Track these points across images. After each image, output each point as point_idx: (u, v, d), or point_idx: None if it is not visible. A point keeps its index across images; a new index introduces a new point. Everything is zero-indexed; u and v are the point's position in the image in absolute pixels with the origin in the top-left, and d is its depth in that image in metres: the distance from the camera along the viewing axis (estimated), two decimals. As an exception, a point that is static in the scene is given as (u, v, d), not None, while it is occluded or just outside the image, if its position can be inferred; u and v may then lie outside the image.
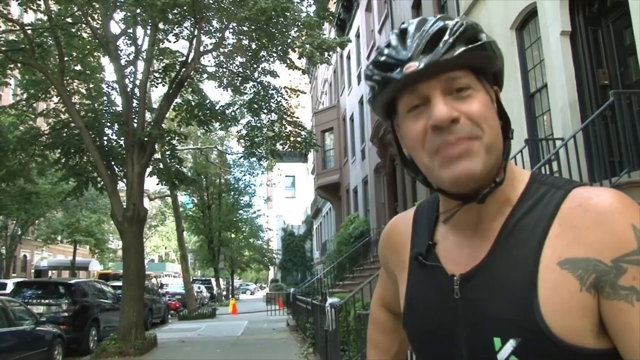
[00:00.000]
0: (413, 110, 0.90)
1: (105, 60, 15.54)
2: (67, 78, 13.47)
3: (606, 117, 6.26)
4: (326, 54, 13.76)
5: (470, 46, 0.86)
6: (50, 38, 12.80)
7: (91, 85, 14.28)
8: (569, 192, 0.87)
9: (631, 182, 5.42)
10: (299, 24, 13.22)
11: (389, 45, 0.92)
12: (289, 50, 14.16)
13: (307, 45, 13.04)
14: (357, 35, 23.80)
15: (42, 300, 12.17)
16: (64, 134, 13.76)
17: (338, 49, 15.29)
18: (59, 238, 30.54)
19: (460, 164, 0.85)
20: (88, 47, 13.96)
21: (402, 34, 0.91)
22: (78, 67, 14.36)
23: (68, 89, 13.21)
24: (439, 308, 0.94)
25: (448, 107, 0.85)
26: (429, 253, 0.99)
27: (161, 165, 14.67)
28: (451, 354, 0.91)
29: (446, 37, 0.86)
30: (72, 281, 13.83)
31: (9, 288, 17.36)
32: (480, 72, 0.90)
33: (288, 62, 14.16)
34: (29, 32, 12.47)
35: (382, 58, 0.91)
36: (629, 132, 5.71)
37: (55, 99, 14.48)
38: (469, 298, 0.90)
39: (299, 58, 14.10)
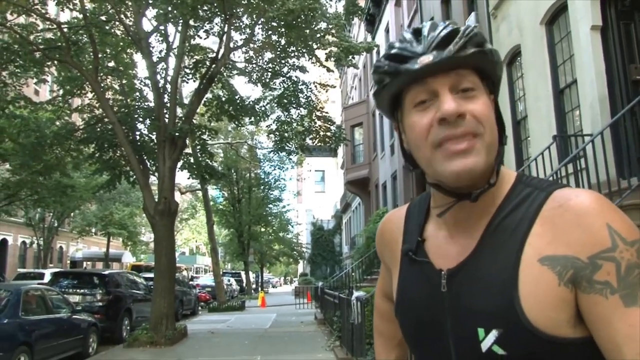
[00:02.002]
0: (420, 105, 0.95)
1: (137, 57, 15.84)
2: (101, 74, 13.81)
3: (636, 114, 6.18)
4: (352, 57, 13.79)
5: (479, 49, 0.93)
6: (85, 36, 13.13)
7: (124, 82, 14.58)
8: (551, 193, 0.92)
9: (660, 180, 5.36)
10: (327, 22, 13.27)
11: (402, 41, 0.97)
12: (317, 47, 14.25)
13: (334, 48, 13.10)
14: (387, 30, 23.70)
15: (78, 290, 12.55)
16: (98, 129, 14.11)
17: (363, 52, 15.29)
18: (93, 230, 31.28)
19: (463, 159, 0.90)
20: (121, 44, 14.24)
21: (416, 33, 0.96)
22: (111, 64, 14.68)
23: (102, 85, 13.54)
24: (427, 300, 1.01)
25: (456, 102, 0.91)
26: (419, 249, 1.06)
27: (192, 160, 14.92)
28: (439, 342, 0.98)
29: (458, 38, 0.92)
30: (106, 272, 14.21)
31: (47, 278, 17.95)
32: (484, 76, 0.97)
33: (315, 59, 14.21)
34: (65, 30, 12.83)
35: (395, 50, 0.96)
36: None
37: (90, 95, 14.85)
38: (455, 291, 0.96)
39: (326, 60, 14.15)
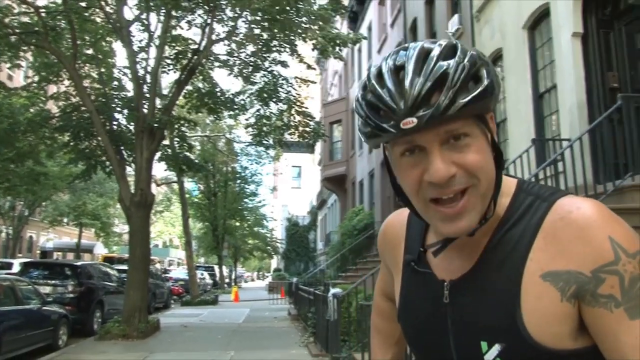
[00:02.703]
0: (407, 154, 0.89)
1: (116, 46, 15.59)
2: (79, 62, 13.55)
3: (613, 120, 6.29)
4: (338, 48, 13.76)
5: (474, 95, 0.85)
6: (63, 21, 12.88)
7: (102, 70, 14.35)
8: (553, 203, 0.91)
9: (635, 186, 5.47)
10: (312, 15, 13.23)
11: (381, 82, 0.88)
12: (299, 42, 14.20)
13: (320, 38, 13.05)
14: (369, 29, 23.76)
15: (49, 281, 12.32)
16: (74, 118, 13.86)
17: (349, 45, 15.30)
18: (65, 220, 30.77)
19: (456, 223, 0.89)
20: (101, 31, 13.99)
21: (398, 71, 0.87)
22: (90, 52, 14.43)
23: (79, 73, 13.30)
24: (430, 310, 1.01)
25: (445, 165, 0.86)
26: (421, 259, 1.05)
27: (170, 152, 14.76)
28: (442, 351, 0.98)
29: (448, 84, 0.84)
30: (79, 263, 14.02)
31: (15, 268, 17.57)
32: (479, 115, 0.90)
33: (297, 55, 14.17)
34: (43, 14, 12.56)
35: (375, 101, 0.88)
36: (635, 136, 5.76)
37: (67, 83, 14.57)
38: (458, 303, 0.96)
39: (313, 49, 14.11)
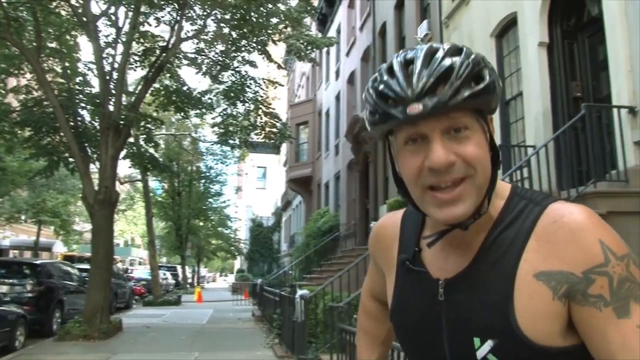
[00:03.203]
0: (410, 143, 0.94)
1: (82, 40, 15.27)
2: (43, 55, 13.21)
3: (577, 129, 6.49)
4: (310, 51, 13.84)
5: (476, 90, 0.90)
6: (27, 13, 12.55)
7: (67, 64, 14.03)
8: (545, 207, 0.95)
9: (596, 192, 5.64)
10: (282, 15, 13.24)
11: (392, 73, 0.94)
12: (269, 42, 14.18)
13: (295, 40, 13.09)
14: (338, 31, 23.87)
15: (6, 280, 11.94)
16: (36, 112, 13.50)
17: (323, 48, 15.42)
18: (23, 217, 29.89)
19: (451, 208, 0.92)
20: (66, 25, 13.68)
21: (407, 65, 0.93)
22: (54, 45, 14.08)
23: (43, 67, 12.96)
24: (424, 308, 1.03)
25: (446, 152, 0.90)
26: (415, 258, 1.08)
27: (135, 150, 14.53)
28: (435, 349, 1.01)
29: (453, 78, 0.89)
30: (38, 262, 13.65)
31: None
32: (480, 110, 0.95)
33: (266, 55, 14.16)
34: (5, 4, 12.18)
35: (385, 90, 0.93)
36: (597, 144, 5.95)
37: (29, 76, 14.20)
38: (453, 301, 0.99)
39: (288, 52, 14.16)
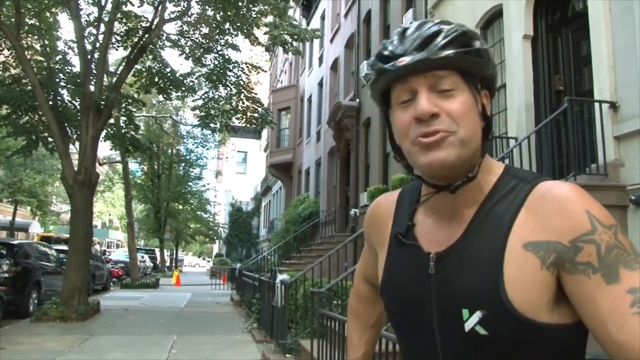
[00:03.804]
0: (403, 103, 1.00)
1: (62, 18, 15.00)
2: (22, 32, 12.94)
3: (559, 122, 6.59)
4: (295, 43, 13.81)
5: (459, 50, 0.97)
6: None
7: (47, 42, 13.77)
8: (535, 185, 0.99)
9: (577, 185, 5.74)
10: (266, 5, 13.16)
11: (392, 42, 1.02)
12: (253, 27, 14.08)
13: (282, 32, 13.03)
14: (323, 17, 23.75)
15: (-19, 260, 11.78)
16: (14, 90, 13.24)
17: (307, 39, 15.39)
18: (-1, 197, 29.43)
19: (434, 152, 0.96)
20: (46, 1, 13.41)
21: (403, 32, 1.02)
22: (33, 22, 13.79)
23: (21, 43, 12.70)
24: (415, 281, 1.06)
25: (430, 103, 0.96)
26: (408, 233, 1.11)
27: (115, 131, 14.36)
28: (423, 322, 1.04)
29: (439, 38, 0.97)
30: (15, 242, 13.47)
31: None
32: (469, 75, 1.00)
33: (253, 38, 14.06)
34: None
35: (382, 50, 1.02)
36: (578, 138, 6.06)
37: (6, 52, 13.92)
38: (443, 274, 1.02)
39: (272, 44, 14.08)
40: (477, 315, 0.95)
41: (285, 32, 13.23)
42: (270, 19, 13.91)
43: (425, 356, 1.05)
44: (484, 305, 0.95)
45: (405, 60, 0.97)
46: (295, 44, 14.26)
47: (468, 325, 0.96)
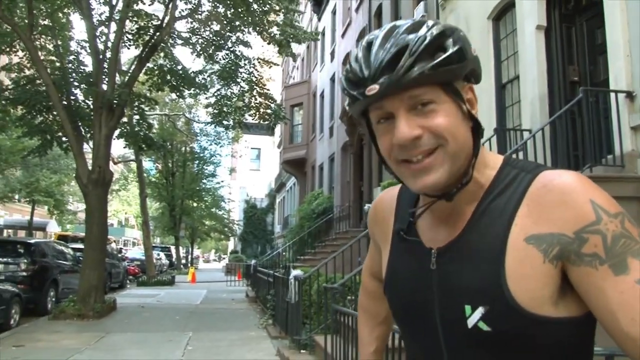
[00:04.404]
0: (382, 122, 0.96)
1: (74, 18, 15.10)
2: (35, 33, 13.05)
3: (574, 113, 6.48)
4: (292, 45, 13.80)
5: (433, 64, 0.90)
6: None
7: (59, 42, 13.87)
8: (536, 175, 0.95)
9: (593, 177, 5.65)
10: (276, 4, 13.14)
11: (357, 59, 0.95)
12: (264, 24, 14.06)
13: (277, 33, 13.01)
14: (334, 12, 23.68)
15: (0, 259, 11.93)
16: (29, 90, 13.36)
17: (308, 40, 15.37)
18: (17, 197, 29.78)
19: (425, 177, 0.93)
20: (58, 2, 13.50)
21: (368, 47, 0.94)
22: (46, 22, 13.91)
23: (35, 45, 12.80)
24: (417, 277, 1.04)
25: (410, 127, 0.91)
26: (410, 229, 1.09)
27: (129, 129, 14.44)
28: (426, 318, 1.02)
29: (405, 56, 0.90)
30: (32, 241, 13.61)
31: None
32: (447, 84, 0.93)
33: (266, 34, 14.03)
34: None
35: (349, 73, 0.96)
36: (593, 129, 5.95)
37: (20, 54, 14.04)
38: (444, 269, 1.00)
39: (269, 43, 14.06)
40: (480, 311, 0.92)
41: (286, 33, 13.18)
42: (280, 17, 13.86)
43: (429, 352, 1.03)
44: (486, 300, 0.92)
45: (373, 89, 0.91)
46: (293, 45, 14.19)
47: (471, 322, 0.93)
